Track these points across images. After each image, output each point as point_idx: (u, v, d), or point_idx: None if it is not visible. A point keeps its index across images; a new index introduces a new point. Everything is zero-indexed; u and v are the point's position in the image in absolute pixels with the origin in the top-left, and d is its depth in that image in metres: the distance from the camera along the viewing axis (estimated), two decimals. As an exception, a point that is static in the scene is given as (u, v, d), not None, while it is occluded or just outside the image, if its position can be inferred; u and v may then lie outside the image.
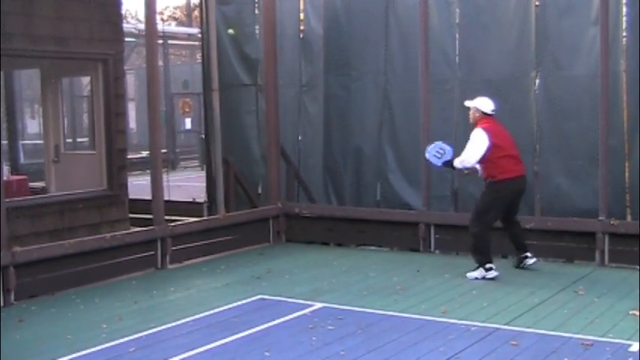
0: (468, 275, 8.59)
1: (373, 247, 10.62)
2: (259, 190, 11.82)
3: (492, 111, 8.71)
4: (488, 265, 8.56)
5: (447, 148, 8.95)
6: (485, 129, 8.55)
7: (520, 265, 8.93)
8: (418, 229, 10.10)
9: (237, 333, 6.66)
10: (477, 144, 8.54)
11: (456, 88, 10.48)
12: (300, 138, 11.94)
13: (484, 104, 8.72)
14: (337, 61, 11.44)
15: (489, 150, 8.50)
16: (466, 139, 8.82)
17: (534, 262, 8.90)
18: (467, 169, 8.88)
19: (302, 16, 11.86)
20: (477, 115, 8.70)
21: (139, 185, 13.56)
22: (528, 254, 8.91)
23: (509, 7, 10.11)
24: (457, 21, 10.55)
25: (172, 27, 31.84)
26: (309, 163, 11.85)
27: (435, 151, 8.96)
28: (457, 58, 10.55)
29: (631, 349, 6.07)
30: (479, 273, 8.55)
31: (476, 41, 10.38)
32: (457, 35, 10.55)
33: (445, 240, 10.04)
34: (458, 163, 8.75)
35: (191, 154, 25.77)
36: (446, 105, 10.53)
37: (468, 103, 8.86)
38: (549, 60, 9.88)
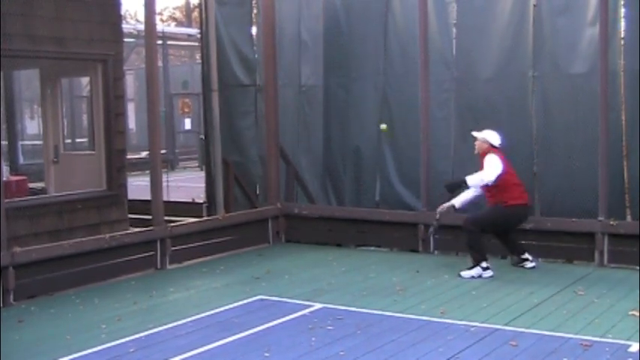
0: (463, 274, 8.58)
1: (372, 248, 10.61)
2: (257, 191, 11.82)
3: (499, 144, 8.79)
4: (484, 264, 8.57)
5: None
6: (497, 155, 8.64)
7: (519, 264, 8.98)
8: (417, 230, 10.09)
9: (236, 333, 6.66)
10: (495, 165, 8.57)
11: (453, 88, 10.48)
12: (299, 139, 11.94)
13: (493, 137, 8.78)
14: (336, 61, 11.45)
15: (502, 175, 8.57)
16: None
17: (533, 267, 8.94)
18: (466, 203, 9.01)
19: (301, 16, 11.86)
20: (485, 146, 8.74)
21: (138, 186, 13.57)
22: (529, 257, 8.97)
23: (506, 7, 10.10)
24: (454, 21, 10.56)
25: (172, 27, 31.89)
26: (308, 164, 11.85)
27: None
28: (454, 57, 10.55)
29: (630, 349, 6.07)
30: (475, 272, 8.55)
31: (473, 41, 10.38)
32: (454, 35, 10.56)
33: (444, 240, 10.01)
34: (477, 180, 8.64)
35: (190, 155, 25.78)
36: (443, 105, 10.53)
37: (476, 134, 8.86)
38: (547, 60, 9.87)
